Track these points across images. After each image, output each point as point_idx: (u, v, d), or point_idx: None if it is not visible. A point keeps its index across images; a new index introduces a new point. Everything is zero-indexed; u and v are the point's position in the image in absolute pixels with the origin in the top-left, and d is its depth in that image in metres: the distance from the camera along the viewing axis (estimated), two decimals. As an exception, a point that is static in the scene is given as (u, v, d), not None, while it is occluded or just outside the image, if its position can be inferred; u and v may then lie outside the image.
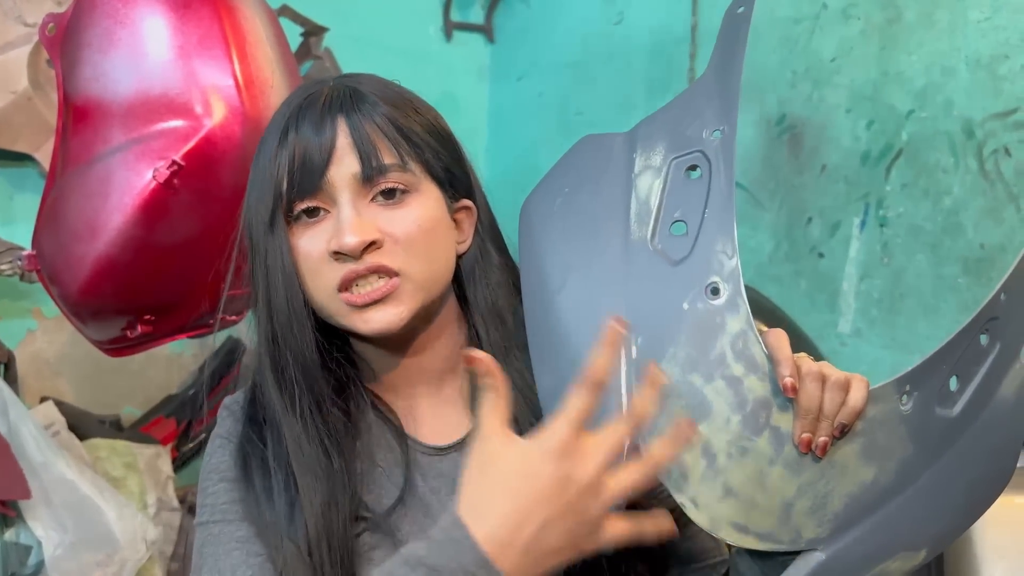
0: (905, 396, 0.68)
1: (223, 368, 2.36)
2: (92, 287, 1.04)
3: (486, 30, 2.99)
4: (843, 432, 0.66)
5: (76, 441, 1.89)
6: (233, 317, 1.22)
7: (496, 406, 0.64)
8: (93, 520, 1.62)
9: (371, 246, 0.75)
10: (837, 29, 1.85)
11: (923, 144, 1.69)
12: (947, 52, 1.65)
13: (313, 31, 2.34)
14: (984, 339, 0.69)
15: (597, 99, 2.57)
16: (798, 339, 1.84)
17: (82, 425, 2.06)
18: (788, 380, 0.65)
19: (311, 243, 0.76)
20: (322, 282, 0.76)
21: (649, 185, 0.73)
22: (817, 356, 1.81)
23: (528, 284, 0.79)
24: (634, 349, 0.70)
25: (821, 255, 1.90)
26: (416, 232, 0.77)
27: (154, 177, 1.01)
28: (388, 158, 0.76)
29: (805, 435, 0.66)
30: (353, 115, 0.76)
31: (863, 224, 1.81)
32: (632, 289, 0.72)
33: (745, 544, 0.68)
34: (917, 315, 1.71)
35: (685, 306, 0.69)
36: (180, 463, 2.38)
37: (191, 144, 1.03)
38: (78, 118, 1.05)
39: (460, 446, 0.83)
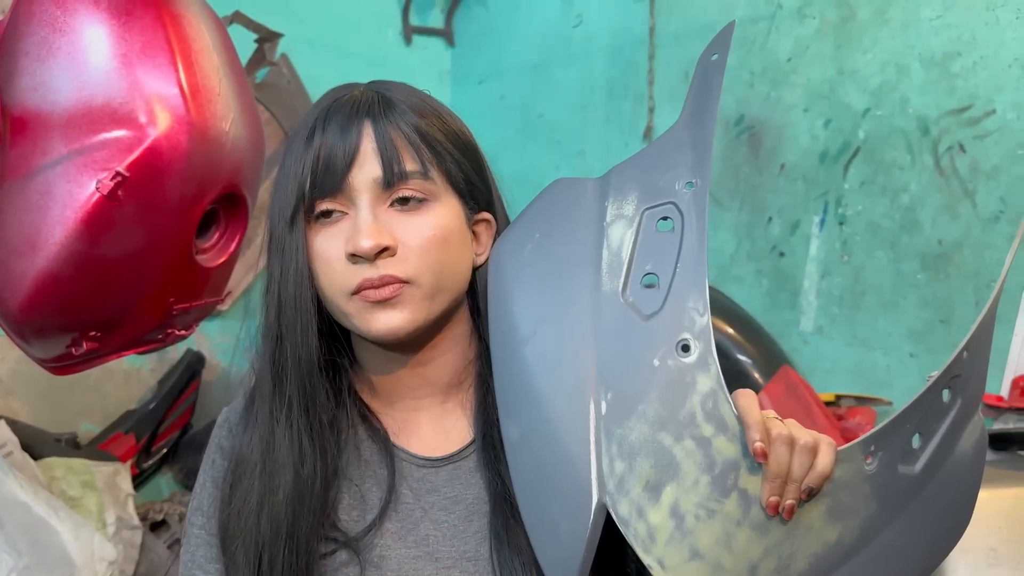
0: (870, 456, 0.68)
1: (183, 382, 2.32)
2: (34, 304, 1.00)
3: (446, 34, 2.98)
4: (810, 495, 0.66)
5: (30, 461, 1.84)
6: (183, 331, 1.19)
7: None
8: (48, 542, 1.58)
9: (385, 251, 0.75)
10: (793, 29, 1.86)
11: (880, 142, 1.70)
12: (901, 50, 1.66)
13: (267, 37, 2.31)
14: (947, 395, 0.69)
15: (558, 101, 2.57)
16: (760, 338, 1.84)
17: (37, 444, 2.01)
18: (758, 445, 0.65)
19: (328, 243, 0.77)
20: (337, 282, 0.76)
21: (621, 235, 0.72)
22: (779, 354, 1.82)
23: (496, 331, 0.77)
24: (604, 404, 0.69)
25: (782, 254, 1.90)
26: (429, 242, 0.76)
27: (97, 189, 0.98)
28: (410, 165, 0.77)
29: (773, 498, 0.66)
30: (380, 120, 0.77)
31: (822, 222, 1.82)
32: (602, 342, 0.71)
33: None
34: (877, 311, 1.72)
35: (655, 362, 0.68)
36: (140, 480, 2.34)
37: (135, 154, 1.00)
38: (16, 130, 1.01)
39: (456, 458, 0.82)
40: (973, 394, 0.70)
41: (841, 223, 1.78)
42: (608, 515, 0.68)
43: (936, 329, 1.63)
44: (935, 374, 0.70)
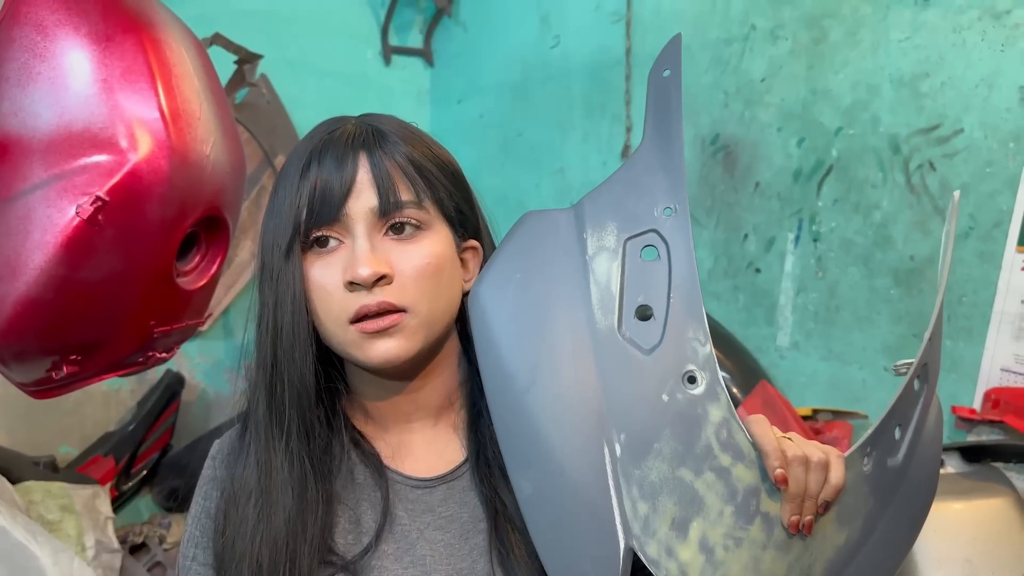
0: (867, 458, 0.70)
1: (162, 403, 2.31)
2: (14, 328, 1.00)
3: (425, 54, 3.00)
4: (827, 508, 0.69)
5: (7, 485, 1.82)
6: (164, 354, 1.19)
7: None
8: (26, 567, 1.56)
9: (382, 279, 0.76)
10: (766, 50, 1.89)
11: (852, 160, 1.73)
12: (872, 71, 1.70)
13: (247, 58, 2.32)
14: (917, 383, 0.71)
15: (536, 120, 2.59)
16: (738, 353, 1.86)
17: (15, 468, 1.99)
18: (779, 472, 0.67)
19: (325, 272, 0.78)
20: (336, 311, 0.77)
21: (607, 268, 0.71)
22: (756, 369, 1.84)
23: (492, 381, 0.74)
24: (617, 447, 0.68)
25: (758, 270, 1.93)
26: (424, 270, 0.78)
27: (77, 214, 0.98)
28: (405, 194, 0.78)
29: (794, 518, 0.68)
30: (375, 152, 0.79)
31: (797, 239, 1.84)
32: (606, 382, 0.69)
33: None
34: (852, 326, 1.75)
35: (664, 397, 0.68)
36: (120, 502, 2.32)
37: (116, 179, 1.00)
38: (-4, 155, 1.02)
39: (449, 477, 0.83)
40: (934, 377, 0.73)
41: (815, 240, 1.81)
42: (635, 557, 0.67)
43: (910, 343, 1.65)
44: (903, 362, 0.73)
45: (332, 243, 0.78)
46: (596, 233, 0.72)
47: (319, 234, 0.78)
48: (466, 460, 0.84)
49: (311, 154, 0.79)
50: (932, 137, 1.60)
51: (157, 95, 1.06)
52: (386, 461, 0.84)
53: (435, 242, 0.80)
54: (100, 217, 0.99)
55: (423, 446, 0.85)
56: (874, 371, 1.72)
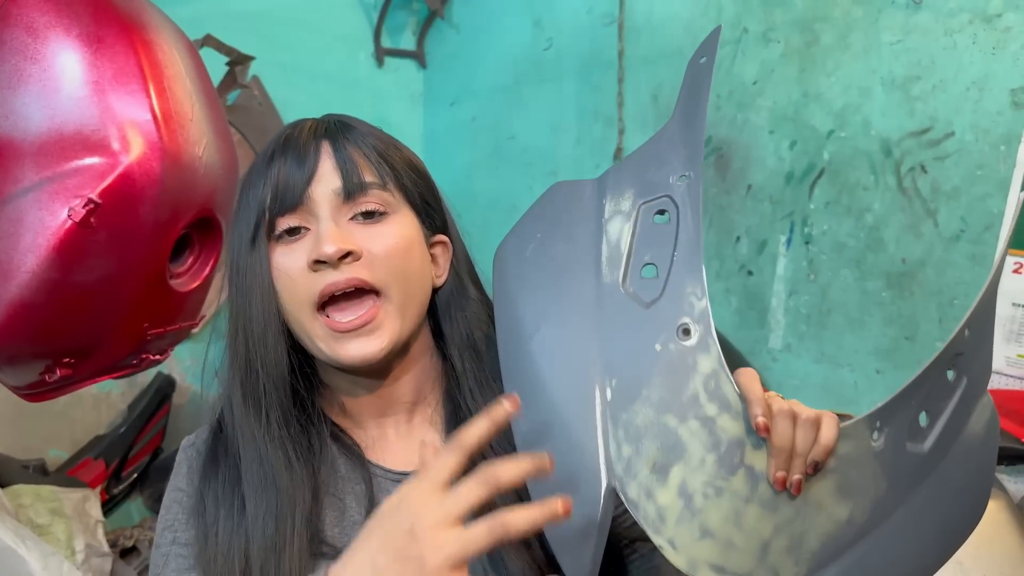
0: (876, 432, 0.68)
1: (153, 406, 2.30)
2: (6, 332, 0.99)
3: (418, 56, 3.00)
4: (816, 469, 0.67)
5: (-3, 488, 1.81)
6: (158, 356, 1.18)
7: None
8: (15, 571, 1.55)
9: (349, 255, 0.75)
10: (758, 53, 1.90)
11: (844, 163, 1.74)
12: (863, 73, 1.70)
13: (238, 60, 2.31)
14: (951, 374, 0.69)
15: (529, 123, 2.59)
16: (730, 355, 1.86)
17: (4, 471, 1.98)
18: (760, 420, 0.66)
19: (290, 258, 0.77)
20: (301, 295, 0.76)
21: (619, 229, 0.75)
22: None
23: (502, 329, 0.79)
24: (608, 391, 0.71)
25: (750, 273, 1.93)
26: (394, 249, 0.78)
27: (69, 216, 0.97)
28: (369, 176, 0.78)
29: (780, 473, 0.67)
30: (338, 139, 0.79)
31: (789, 242, 1.85)
32: (605, 331, 0.72)
33: None
34: (844, 329, 1.75)
35: (657, 347, 0.70)
36: (110, 506, 2.31)
37: (108, 181, 1.00)
38: (-13, 157, 1.01)
39: None
40: (979, 374, 0.69)
41: (807, 242, 1.81)
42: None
43: (901, 346, 1.66)
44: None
45: (301, 231, 0.78)
46: (615, 199, 0.76)
47: (286, 224, 0.78)
48: None
49: (274, 150, 0.80)
50: (923, 140, 1.61)
51: (149, 97, 1.05)
52: (366, 453, 0.83)
53: (403, 223, 0.80)
54: (92, 220, 0.98)
55: (398, 440, 0.85)
56: (866, 373, 1.72)
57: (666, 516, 0.68)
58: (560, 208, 0.80)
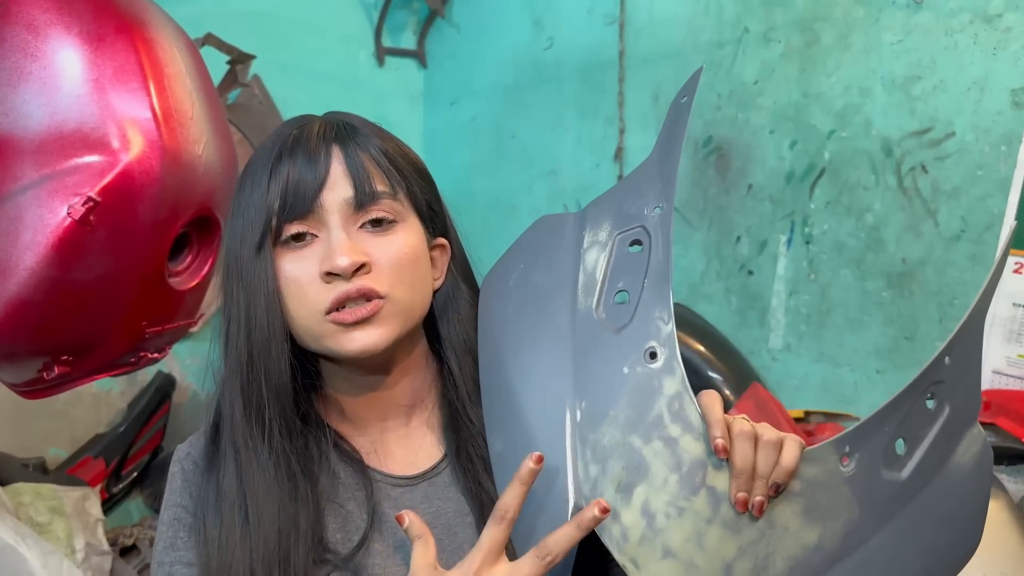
0: (847, 458, 0.68)
1: (153, 405, 2.30)
2: (5, 329, 0.99)
3: (418, 55, 3.00)
4: (778, 491, 0.67)
5: (-3, 487, 1.81)
6: (156, 354, 1.18)
7: (424, 552, 0.71)
8: (15, 569, 1.55)
9: (361, 268, 0.75)
10: (759, 53, 1.90)
11: (844, 163, 1.74)
12: (864, 73, 1.70)
13: (239, 59, 2.31)
14: (931, 403, 0.69)
15: (530, 123, 2.59)
16: (730, 355, 1.87)
17: (4, 469, 1.98)
18: (719, 441, 0.67)
19: (299, 266, 0.77)
20: (310, 303, 0.76)
21: (596, 258, 0.77)
22: (748, 371, 1.85)
23: (484, 355, 0.81)
24: (579, 413, 0.72)
25: (750, 272, 1.93)
26: (402, 259, 0.78)
27: (69, 214, 0.98)
28: (381, 185, 0.78)
29: (741, 494, 0.67)
30: (348, 144, 0.78)
31: (790, 241, 1.85)
32: (578, 356, 0.74)
33: None
34: (844, 329, 1.75)
35: (625, 370, 0.71)
36: (110, 504, 2.31)
37: (108, 179, 1.00)
38: (-13, 155, 1.01)
39: (429, 475, 0.83)
40: (965, 404, 0.69)
41: (808, 242, 1.81)
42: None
43: (901, 346, 1.66)
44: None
45: (307, 238, 0.77)
46: (593, 230, 0.79)
47: (294, 230, 0.77)
48: (444, 457, 0.84)
49: (280, 150, 0.78)
50: (924, 140, 1.61)
51: (149, 95, 1.05)
52: (366, 459, 0.83)
53: (410, 234, 0.79)
54: (92, 218, 0.98)
55: (398, 444, 0.85)
56: (865, 373, 1.72)
57: (629, 535, 0.68)
58: (543, 240, 0.83)
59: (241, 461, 0.78)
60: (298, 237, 0.77)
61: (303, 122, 0.81)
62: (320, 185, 0.76)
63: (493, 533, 0.69)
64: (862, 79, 1.71)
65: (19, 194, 0.99)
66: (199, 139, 1.10)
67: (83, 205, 0.98)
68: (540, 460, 0.68)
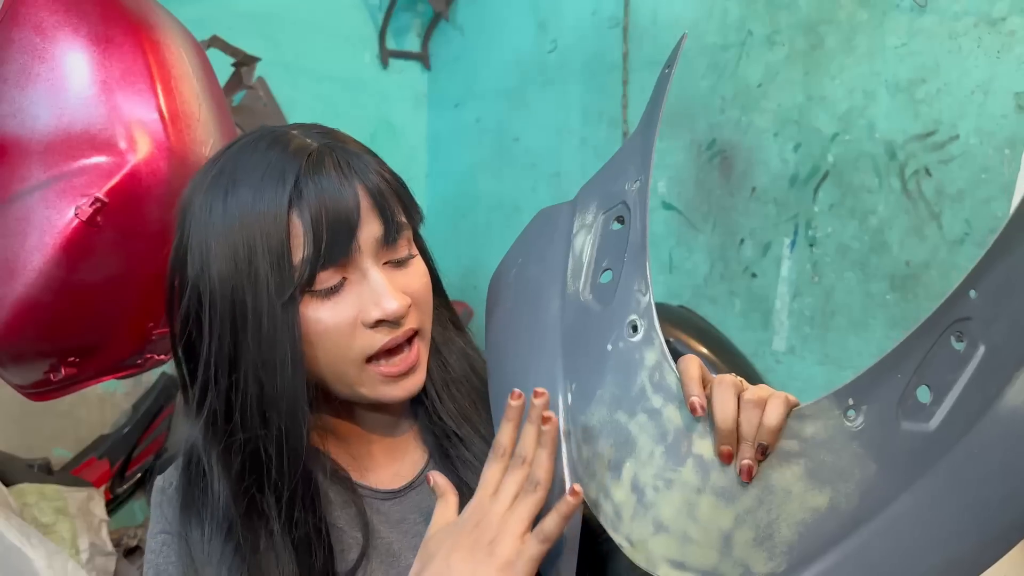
0: (851, 411, 0.62)
1: (157, 406, 2.31)
2: (12, 330, 1.00)
3: (422, 58, 3.00)
4: (765, 453, 0.63)
5: (2, 488, 1.82)
6: (162, 356, 1.19)
7: (444, 510, 0.71)
8: (20, 570, 1.55)
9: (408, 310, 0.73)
10: (763, 55, 1.90)
11: (848, 166, 1.74)
12: (867, 76, 1.70)
13: (244, 61, 2.32)
14: (958, 344, 0.61)
15: (533, 125, 2.60)
16: (733, 357, 1.87)
17: (9, 470, 1.99)
18: (693, 400, 0.64)
19: (336, 314, 0.71)
20: (352, 353, 0.72)
21: (583, 242, 0.77)
22: (752, 373, 1.85)
23: (489, 354, 0.82)
24: (569, 396, 0.72)
25: (754, 275, 1.93)
26: (426, 290, 0.77)
27: (76, 215, 0.98)
28: (401, 216, 0.74)
29: (724, 447, 0.63)
30: (368, 176, 0.72)
31: (793, 244, 1.85)
32: (567, 340, 0.75)
33: None
34: (848, 331, 1.75)
35: (609, 347, 0.71)
36: (115, 505, 2.32)
37: (115, 180, 1.00)
38: (-5, 156, 1.02)
39: (416, 483, 0.82)
40: (1009, 341, 0.59)
41: (811, 245, 1.81)
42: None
43: (905, 349, 1.66)
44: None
45: (343, 283, 0.71)
46: (581, 214, 0.79)
47: (333, 281, 0.70)
48: (428, 461, 0.83)
49: (299, 182, 0.69)
50: (928, 143, 1.61)
51: (156, 96, 1.06)
52: (352, 475, 0.81)
53: (421, 262, 0.78)
54: (99, 218, 0.99)
55: (383, 454, 0.83)
56: (870, 376, 1.72)
57: (622, 513, 0.67)
58: (538, 232, 0.83)
59: (226, 533, 0.72)
60: (338, 287, 0.71)
61: (306, 149, 0.72)
62: (356, 225, 0.70)
63: (492, 469, 0.69)
64: (866, 82, 1.71)
65: (27, 195, 0.99)
66: (206, 140, 1.11)
67: (90, 206, 0.99)
68: (519, 396, 0.69)
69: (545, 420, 0.68)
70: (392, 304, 0.71)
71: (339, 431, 0.83)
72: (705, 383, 0.67)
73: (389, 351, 0.73)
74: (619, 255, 0.73)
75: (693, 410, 0.64)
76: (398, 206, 0.75)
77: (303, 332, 0.70)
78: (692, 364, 0.67)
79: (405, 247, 0.75)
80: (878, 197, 1.69)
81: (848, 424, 0.62)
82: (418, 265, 0.77)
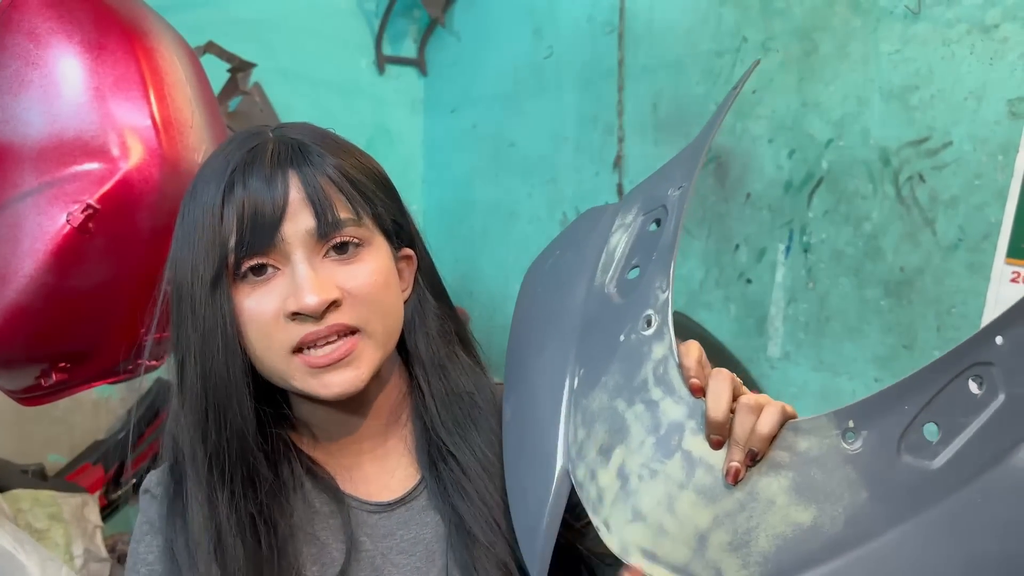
0: (851, 434, 0.61)
1: (152, 412, 2.30)
2: (3, 336, 1.00)
3: (419, 63, 3.01)
4: (754, 459, 0.62)
5: (-5, 493, 1.82)
6: (155, 362, 1.19)
7: None
8: (13, 576, 1.55)
9: (331, 305, 0.71)
10: (757, 61, 1.91)
11: (842, 172, 1.74)
12: (862, 83, 1.71)
13: (240, 67, 2.32)
14: (976, 387, 0.59)
15: (529, 131, 2.60)
16: (729, 364, 1.87)
17: (3, 476, 1.98)
18: (694, 381, 0.64)
19: (261, 303, 0.72)
20: (275, 344, 0.72)
21: (618, 239, 0.80)
22: (747, 380, 1.85)
23: (512, 335, 0.85)
24: (576, 380, 0.75)
25: (749, 281, 1.94)
26: (373, 288, 0.74)
27: (68, 221, 0.98)
28: (343, 212, 0.73)
29: (714, 436, 0.63)
30: (305, 168, 0.73)
31: (788, 250, 1.85)
32: (585, 328, 0.77)
33: (656, 575, 0.64)
34: (843, 337, 1.75)
35: (621, 338, 0.73)
36: (109, 511, 2.31)
37: (107, 187, 1.01)
38: (-13, 162, 1.02)
39: (407, 499, 0.81)
40: None
41: (806, 251, 1.82)
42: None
43: (900, 354, 1.66)
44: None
45: (268, 271, 0.72)
46: (623, 214, 0.82)
47: (254, 263, 0.72)
48: (421, 480, 0.82)
49: (233, 174, 0.72)
50: (921, 149, 1.61)
51: (149, 103, 1.06)
52: (341, 485, 0.80)
53: (378, 257, 0.76)
54: (91, 225, 0.99)
55: (373, 466, 0.82)
56: (864, 382, 1.72)
57: (604, 496, 0.68)
58: (582, 228, 0.87)
59: (204, 513, 0.73)
60: (258, 270, 0.72)
61: (255, 141, 0.75)
62: (280, 217, 0.71)
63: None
64: (860, 88, 1.71)
65: (19, 201, 0.99)
66: (198, 147, 1.11)
67: (82, 212, 0.99)
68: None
69: None
70: (309, 298, 0.70)
71: (327, 441, 0.82)
72: (704, 371, 0.68)
73: (323, 341, 0.72)
74: (649, 255, 0.75)
75: (693, 391, 0.65)
76: (349, 201, 0.74)
77: (237, 319, 0.73)
78: (693, 347, 0.68)
79: (347, 238, 0.74)
80: (872, 203, 1.69)
81: (845, 446, 0.61)
82: (368, 261, 0.75)
